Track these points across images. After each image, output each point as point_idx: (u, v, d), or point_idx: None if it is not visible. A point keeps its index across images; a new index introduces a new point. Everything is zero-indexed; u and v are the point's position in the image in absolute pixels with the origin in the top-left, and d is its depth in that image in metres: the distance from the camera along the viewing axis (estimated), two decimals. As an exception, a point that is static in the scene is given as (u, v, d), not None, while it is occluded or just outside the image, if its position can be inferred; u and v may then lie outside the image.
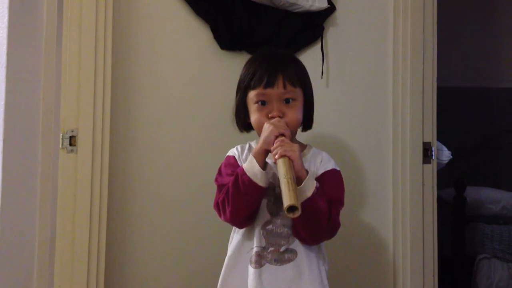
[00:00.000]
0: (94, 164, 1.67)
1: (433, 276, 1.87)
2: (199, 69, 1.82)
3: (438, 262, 1.89)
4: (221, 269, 1.38)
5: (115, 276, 1.74)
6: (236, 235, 1.38)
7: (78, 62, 1.68)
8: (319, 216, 1.26)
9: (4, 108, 1.54)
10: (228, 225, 1.40)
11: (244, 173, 1.27)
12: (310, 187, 1.24)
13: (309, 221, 1.25)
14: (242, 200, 1.28)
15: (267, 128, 1.29)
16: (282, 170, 1.20)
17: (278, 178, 1.26)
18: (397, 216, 1.86)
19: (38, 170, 1.68)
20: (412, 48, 1.88)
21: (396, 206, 1.87)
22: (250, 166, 1.27)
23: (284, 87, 1.34)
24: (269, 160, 1.30)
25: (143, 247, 1.76)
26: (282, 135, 1.27)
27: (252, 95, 1.36)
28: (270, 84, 1.33)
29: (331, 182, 1.36)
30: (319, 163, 1.40)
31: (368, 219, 1.88)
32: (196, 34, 1.81)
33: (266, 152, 1.28)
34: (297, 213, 1.14)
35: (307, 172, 1.27)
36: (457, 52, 3.55)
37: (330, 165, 1.40)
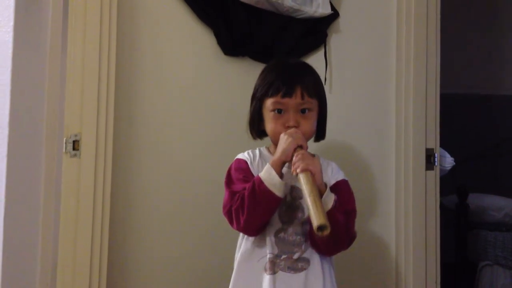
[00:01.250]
0: (97, 168, 1.67)
1: (436, 282, 1.86)
2: (202, 74, 1.82)
3: (441, 268, 1.89)
4: (227, 274, 1.38)
5: (118, 281, 1.73)
6: (246, 242, 1.37)
7: (82, 67, 1.68)
8: (338, 229, 1.26)
9: (9, 112, 1.55)
10: (234, 230, 1.40)
11: (261, 182, 1.27)
12: (330, 200, 1.26)
13: (329, 234, 1.24)
14: (258, 210, 1.27)
15: (285, 139, 1.30)
16: (306, 187, 1.21)
17: (292, 187, 1.30)
18: (400, 222, 1.86)
19: (42, 174, 1.68)
20: (415, 54, 1.89)
21: (399, 212, 1.86)
22: (268, 176, 1.27)
23: (302, 97, 1.35)
24: (284, 169, 1.31)
25: (146, 252, 1.76)
26: (301, 146, 1.29)
27: (268, 103, 1.37)
28: (288, 94, 1.34)
29: (344, 192, 1.37)
30: (330, 173, 1.41)
31: (371, 225, 1.87)
32: (200, 39, 1.81)
33: (284, 163, 1.30)
34: (327, 231, 1.15)
35: (326, 185, 1.29)
36: (460, 59, 3.54)
37: (340, 175, 1.42)
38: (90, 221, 1.66)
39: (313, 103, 1.38)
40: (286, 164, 1.33)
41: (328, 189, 1.28)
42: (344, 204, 1.33)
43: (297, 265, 1.32)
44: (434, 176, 1.88)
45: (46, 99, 1.68)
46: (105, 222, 1.68)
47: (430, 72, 1.90)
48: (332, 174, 1.41)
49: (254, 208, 1.27)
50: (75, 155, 1.66)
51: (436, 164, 1.88)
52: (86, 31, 1.69)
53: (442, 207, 1.94)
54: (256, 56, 1.80)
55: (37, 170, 1.67)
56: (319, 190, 1.24)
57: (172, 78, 1.80)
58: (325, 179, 1.36)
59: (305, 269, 1.32)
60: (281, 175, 1.29)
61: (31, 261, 1.67)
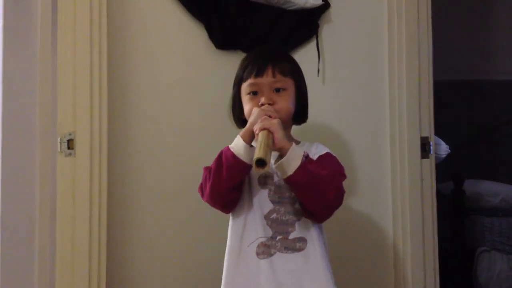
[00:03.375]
0: (92, 166, 1.67)
1: (434, 270, 1.87)
2: (195, 69, 1.82)
3: (439, 256, 1.89)
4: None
5: (117, 279, 1.74)
6: (233, 229, 1.38)
7: (73, 65, 1.67)
8: (317, 181, 1.27)
9: (2, 114, 1.54)
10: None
11: (228, 149, 1.30)
12: (296, 156, 1.26)
13: (309, 188, 1.26)
14: (222, 174, 1.28)
15: (254, 111, 1.33)
16: (259, 139, 1.24)
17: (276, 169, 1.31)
18: (397, 211, 1.87)
19: (37, 174, 1.68)
20: (407, 42, 1.88)
21: (395, 201, 1.87)
22: (235, 144, 1.30)
23: (273, 75, 1.37)
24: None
25: (143, 249, 1.76)
26: (269, 117, 1.30)
27: (244, 86, 1.41)
28: (260, 73, 1.37)
29: (328, 160, 1.37)
30: (314, 150, 1.42)
31: (368, 215, 1.88)
32: (191, 33, 1.81)
33: (252, 133, 1.30)
34: (266, 168, 1.19)
35: (291, 144, 1.28)
36: (452, 45, 3.54)
37: (324, 150, 1.42)
38: (87, 220, 1.65)
39: (287, 82, 1.40)
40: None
41: (293, 146, 1.27)
42: (328, 168, 1.33)
43: (295, 245, 1.33)
44: (429, 164, 1.88)
45: (38, 98, 1.68)
46: (103, 220, 1.68)
47: (423, 59, 1.89)
48: (316, 150, 1.41)
49: (219, 172, 1.28)
50: (70, 154, 1.66)
51: (431, 152, 1.88)
52: (76, 29, 1.68)
53: (438, 194, 1.94)
54: (248, 50, 1.79)
55: (32, 171, 1.66)
56: (282, 148, 1.26)
57: (165, 73, 1.80)
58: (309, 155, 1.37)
59: (303, 248, 1.33)
60: (249, 144, 1.29)
61: (29, 261, 1.67)
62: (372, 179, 1.87)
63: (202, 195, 1.35)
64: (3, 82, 1.56)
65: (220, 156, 1.30)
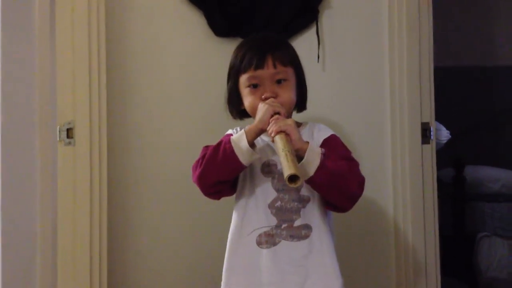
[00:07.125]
0: (92, 155, 1.67)
1: (435, 255, 1.88)
2: (195, 57, 1.81)
3: (440, 242, 1.90)
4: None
5: (118, 265, 1.74)
6: (234, 217, 1.37)
7: (72, 53, 1.67)
8: (339, 177, 1.25)
9: (1, 104, 1.54)
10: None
11: (229, 142, 1.26)
12: (315, 155, 1.23)
13: (333, 186, 1.25)
14: (214, 166, 1.27)
15: (261, 107, 1.29)
16: (279, 145, 1.21)
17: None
18: (398, 197, 1.87)
19: (37, 164, 1.68)
20: (407, 28, 1.87)
21: (396, 187, 1.87)
22: (238, 139, 1.27)
23: (275, 67, 1.33)
24: (266, 138, 1.32)
25: (145, 237, 1.76)
26: (278, 113, 1.27)
27: (243, 79, 1.36)
28: (260, 66, 1.33)
29: (336, 145, 1.35)
30: (317, 133, 1.39)
31: (368, 201, 1.88)
32: (191, 21, 1.80)
33: (260, 131, 1.28)
34: (299, 182, 1.15)
35: (307, 143, 1.26)
36: (453, 30, 3.52)
37: (328, 132, 1.39)
38: (88, 208, 1.66)
39: (288, 72, 1.36)
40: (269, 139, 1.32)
41: (310, 145, 1.25)
42: (340, 152, 1.32)
43: (300, 233, 1.31)
44: (430, 150, 1.88)
45: (38, 88, 1.67)
46: (103, 208, 1.68)
47: (423, 45, 1.88)
48: (320, 134, 1.38)
49: (212, 163, 1.27)
50: (69, 143, 1.66)
51: (432, 137, 1.88)
52: (74, 17, 1.67)
53: (439, 180, 1.94)
54: (248, 36, 1.78)
55: (32, 160, 1.67)
56: (300, 149, 1.23)
57: (164, 61, 1.79)
58: (314, 139, 1.36)
59: (308, 236, 1.31)
60: (252, 145, 1.27)
61: (30, 249, 1.67)
62: (373, 165, 1.87)
63: (193, 175, 1.33)
64: (2, 71, 1.56)
65: (218, 146, 1.28)
